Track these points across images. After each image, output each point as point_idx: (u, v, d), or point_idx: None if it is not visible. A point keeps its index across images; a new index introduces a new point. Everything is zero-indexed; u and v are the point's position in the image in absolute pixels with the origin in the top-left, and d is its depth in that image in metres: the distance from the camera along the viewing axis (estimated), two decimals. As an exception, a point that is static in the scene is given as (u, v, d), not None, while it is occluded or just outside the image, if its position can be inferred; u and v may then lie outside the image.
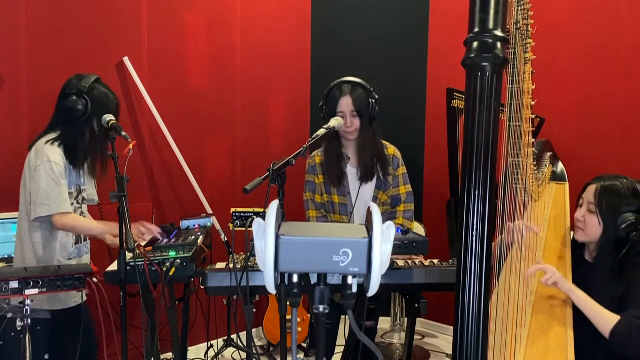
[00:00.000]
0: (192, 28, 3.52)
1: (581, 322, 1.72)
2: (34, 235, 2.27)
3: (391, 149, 2.52)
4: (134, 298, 2.28)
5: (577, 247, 1.99)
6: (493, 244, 1.45)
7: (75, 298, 2.30)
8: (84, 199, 2.42)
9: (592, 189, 1.88)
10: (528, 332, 1.70)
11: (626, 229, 1.77)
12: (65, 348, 2.30)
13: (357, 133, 2.41)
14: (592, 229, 1.86)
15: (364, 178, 2.43)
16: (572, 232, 2.05)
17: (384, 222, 0.98)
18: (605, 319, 1.66)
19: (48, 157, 2.20)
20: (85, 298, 2.33)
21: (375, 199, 2.47)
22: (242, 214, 3.01)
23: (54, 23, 2.94)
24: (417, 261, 2.22)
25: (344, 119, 2.34)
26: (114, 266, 2.12)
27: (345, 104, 2.34)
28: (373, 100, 2.38)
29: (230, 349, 3.53)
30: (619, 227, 1.78)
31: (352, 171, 2.46)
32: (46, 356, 2.31)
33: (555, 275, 1.75)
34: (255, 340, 3.86)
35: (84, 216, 2.42)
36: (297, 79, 4.12)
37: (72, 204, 2.33)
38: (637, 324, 1.63)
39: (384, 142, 2.50)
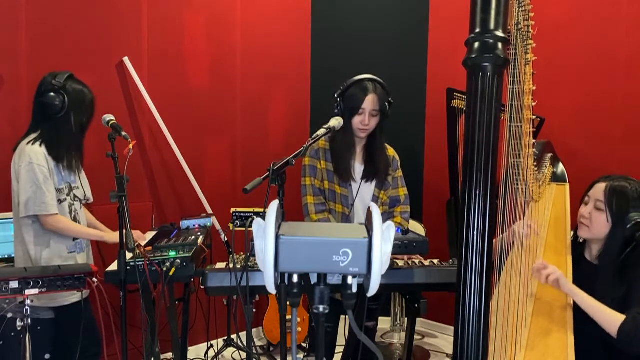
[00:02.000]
0: (192, 28, 3.52)
1: (582, 323, 1.71)
2: (26, 235, 2.29)
3: (391, 151, 2.54)
4: (134, 297, 2.28)
5: (577, 247, 1.99)
6: (494, 241, 1.45)
7: (75, 294, 2.31)
8: (75, 196, 2.43)
9: (600, 187, 1.88)
10: (528, 334, 1.70)
11: (632, 228, 1.77)
12: (68, 345, 2.31)
13: (369, 132, 2.41)
14: (599, 226, 1.86)
15: (368, 177, 2.43)
16: (572, 232, 2.05)
17: (383, 222, 0.98)
18: (611, 318, 1.67)
19: (30, 158, 2.23)
20: (87, 295, 2.34)
21: (375, 199, 2.47)
22: (242, 214, 3.01)
23: (54, 23, 2.94)
24: (416, 261, 2.23)
25: (362, 116, 2.33)
26: (114, 266, 2.12)
27: (371, 101, 2.33)
28: (387, 103, 2.38)
29: (230, 349, 3.53)
30: (626, 226, 1.79)
31: (356, 166, 2.45)
32: (47, 356, 2.31)
33: (556, 273, 1.75)
34: (255, 340, 3.86)
35: (77, 214, 2.43)
36: (297, 79, 4.12)
37: (65, 199, 2.35)
38: None
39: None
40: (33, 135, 2.31)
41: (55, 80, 2.28)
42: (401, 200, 2.51)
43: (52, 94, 2.26)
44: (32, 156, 2.23)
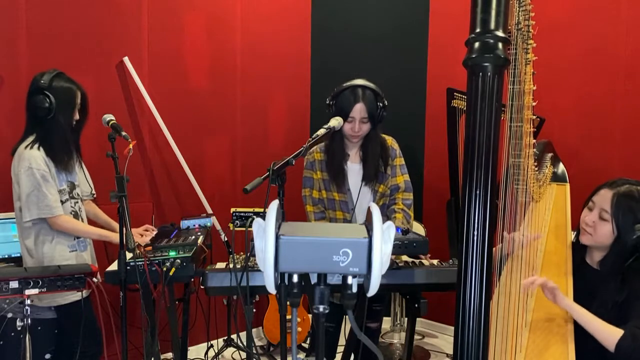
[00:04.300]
0: (192, 28, 3.52)
1: (582, 335, 1.69)
2: (27, 237, 2.30)
3: (389, 140, 2.52)
4: (134, 297, 2.29)
5: (578, 250, 1.97)
6: (494, 249, 1.45)
7: (77, 293, 2.31)
8: (78, 194, 2.43)
9: (607, 195, 1.82)
10: (529, 332, 1.70)
11: (637, 239, 1.75)
12: (68, 345, 2.31)
13: (361, 137, 2.41)
14: (602, 236, 1.82)
15: (369, 179, 2.43)
16: (573, 233, 2.04)
17: (383, 211, 0.98)
18: (608, 333, 1.64)
19: (29, 162, 2.23)
20: (87, 294, 2.34)
21: (375, 193, 2.46)
22: (242, 214, 3.01)
23: (54, 23, 2.94)
24: (417, 261, 2.23)
25: (352, 123, 2.34)
26: (114, 266, 2.12)
27: (359, 110, 2.32)
28: (381, 105, 2.37)
29: (230, 349, 3.53)
30: (632, 236, 1.76)
31: (353, 168, 2.45)
32: (47, 356, 2.31)
33: (552, 289, 1.72)
34: (255, 340, 3.86)
35: (80, 212, 2.44)
36: (297, 79, 4.12)
37: (67, 200, 2.35)
38: None
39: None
40: (30, 139, 2.30)
41: (41, 80, 2.26)
42: (401, 187, 2.50)
43: (39, 96, 2.24)
44: (31, 160, 2.23)
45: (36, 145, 2.28)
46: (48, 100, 2.24)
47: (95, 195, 2.59)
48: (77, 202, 2.42)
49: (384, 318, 3.92)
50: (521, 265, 1.89)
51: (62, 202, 2.33)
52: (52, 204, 2.25)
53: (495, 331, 1.64)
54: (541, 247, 2.00)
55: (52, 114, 2.26)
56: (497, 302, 1.79)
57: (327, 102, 2.40)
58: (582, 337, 1.69)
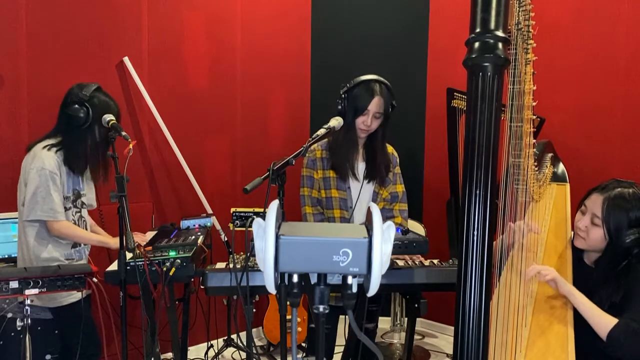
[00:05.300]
0: (192, 28, 3.52)
1: (582, 323, 1.71)
2: (27, 236, 2.29)
3: (390, 148, 2.54)
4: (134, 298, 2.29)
5: (576, 250, 1.98)
6: (494, 243, 1.45)
7: (73, 294, 2.31)
8: (83, 203, 2.42)
9: (597, 200, 1.83)
10: (528, 333, 1.70)
11: (630, 243, 1.76)
12: (69, 345, 2.31)
13: (369, 132, 2.41)
14: (595, 240, 1.84)
15: (371, 177, 2.43)
16: (572, 232, 2.05)
17: (383, 219, 0.98)
18: (603, 322, 1.66)
19: (43, 163, 2.23)
20: (86, 295, 2.34)
21: (376, 195, 2.46)
22: (242, 214, 3.01)
23: (54, 23, 2.94)
24: (417, 261, 2.23)
25: (365, 116, 2.33)
26: (114, 266, 2.12)
27: (376, 104, 2.32)
28: (390, 106, 2.38)
29: (230, 349, 3.53)
30: (624, 241, 1.77)
31: (357, 165, 2.45)
32: (47, 356, 2.31)
33: (552, 273, 1.75)
34: (255, 340, 3.86)
35: (84, 220, 2.43)
36: (297, 79, 4.12)
37: (70, 207, 2.35)
38: (634, 327, 1.63)
39: None
40: (51, 141, 2.30)
41: (82, 92, 2.28)
42: (399, 197, 2.51)
43: (76, 105, 2.26)
44: (46, 161, 2.23)
45: (54, 149, 2.28)
46: (85, 110, 2.26)
47: (93, 207, 2.57)
48: (79, 211, 2.41)
49: (385, 318, 3.94)
50: (522, 253, 1.89)
51: (65, 209, 2.31)
52: (56, 207, 2.24)
53: (495, 330, 1.65)
54: (541, 246, 2.01)
55: (87, 125, 2.27)
56: (497, 300, 1.79)
57: (341, 94, 2.36)
58: (581, 324, 1.70)
